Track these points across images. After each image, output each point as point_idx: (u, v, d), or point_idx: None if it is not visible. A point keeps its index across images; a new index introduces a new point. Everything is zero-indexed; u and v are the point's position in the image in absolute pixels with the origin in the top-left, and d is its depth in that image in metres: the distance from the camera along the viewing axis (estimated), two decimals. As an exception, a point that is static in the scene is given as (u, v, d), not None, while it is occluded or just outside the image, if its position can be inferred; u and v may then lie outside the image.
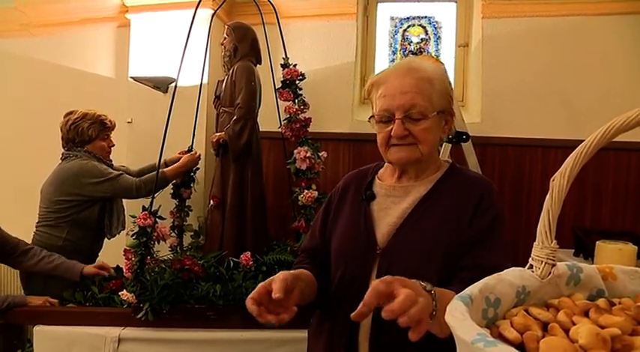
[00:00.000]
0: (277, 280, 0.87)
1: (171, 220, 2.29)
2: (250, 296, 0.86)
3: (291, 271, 0.98)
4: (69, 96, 2.79)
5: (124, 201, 2.35)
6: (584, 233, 2.14)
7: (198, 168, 2.39)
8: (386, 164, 1.15)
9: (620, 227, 2.44)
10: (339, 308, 1.03)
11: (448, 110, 1.07)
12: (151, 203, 1.82)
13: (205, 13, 2.35)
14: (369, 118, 1.09)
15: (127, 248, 1.80)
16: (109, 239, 2.23)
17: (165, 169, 2.17)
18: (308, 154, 2.02)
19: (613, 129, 0.52)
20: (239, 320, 1.76)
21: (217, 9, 2.33)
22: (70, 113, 2.18)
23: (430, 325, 0.75)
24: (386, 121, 1.03)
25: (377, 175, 1.16)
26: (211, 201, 2.09)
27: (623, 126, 0.51)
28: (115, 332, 1.74)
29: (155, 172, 2.14)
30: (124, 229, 2.24)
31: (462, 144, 2.06)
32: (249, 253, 1.92)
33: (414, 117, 1.01)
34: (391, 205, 1.07)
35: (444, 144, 2.04)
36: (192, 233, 2.34)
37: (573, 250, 2.17)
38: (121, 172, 2.18)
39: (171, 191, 2.33)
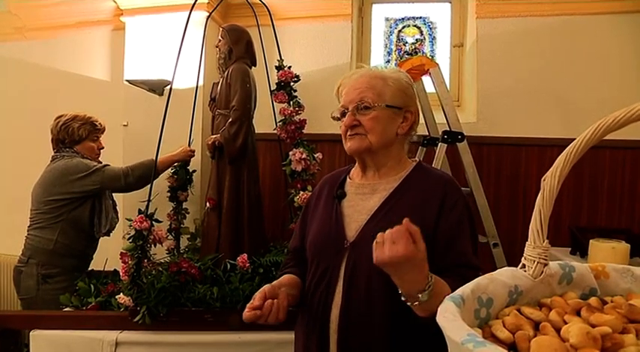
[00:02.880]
0: (256, 297, 1.00)
1: (168, 223, 2.29)
2: (244, 316, 0.99)
3: (272, 283, 1.09)
4: (64, 99, 2.78)
5: (120, 202, 2.35)
6: (580, 231, 2.14)
7: (194, 170, 2.39)
8: (356, 163, 1.23)
9: (617, 225, 2.45)
10: (312, 300, 1.12)
11: (406, 108, 1.14)
12: (147, 206, 1.81)
13: (200, 16, 2.34)
14: (332, 118, 1.19)
15: (124, 251, 1.80)
16: (97, 238, 2.22)
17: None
18: (303, 156, 2.02)
19: (602, 129, 0.52)
20: (236, 322, 1.76)
21: (212, 11, 2.33)
22: (61, 116, 2.20)
23: (416, 307, 0.89)
24: (343, 116, 1.15)
25: (348, 175, 1.23)
26: (207, 204, 2.09)
27: (611, 125, 0.51)
28: (112, 335, 1.73)
29: (143, 160, 2.15)
30: (113, 229, 2.23)
31: (458, 143, 2.07)
32: (246, 255, 1.91)
33: (363, 109, 1.11)
34: (360, 202, 1.14)
35: (440, 144, 2.05)
36: (188, 235, 2.34)
37: (570, 248, 2.18)
38: (107, 163, 2.19)
39: (168, 194, 2.33)
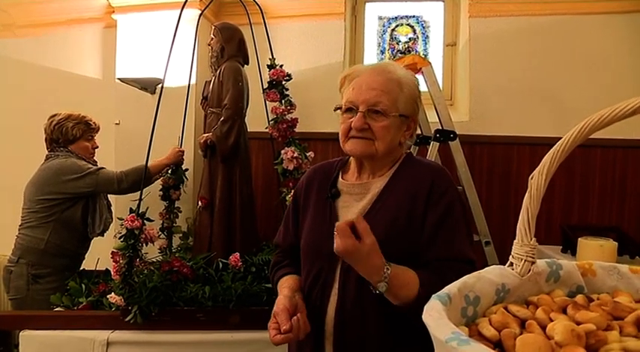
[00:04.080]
0: (282, 318, 0.98)
1: (161, 222, 2.28)
2: (274, 340, 0.98)
3: (285, 293, 1.07)
4: (55, 98, 2.76)
5: (112, 202, 2.34)
6: (571, 229, 2.16)
7: (187, 169, 2.38)
8: (350, 160, 1.19)
9: (607, 223, 2.47)
10: (307, 302, 1.09)
11: (412, 117, 1.11)
12: (139, 205, 1.81)
13: (193, 14, 2.33)
14: (335, 109, 1.13)
15: (115, 250, 1.79)
16: (90, 238, 2.21)
17: (149, 164, 2.15)
18: (295, 154, 2.02)
19: (587, 128, 0.52)
20: (236, 322, 1.75)
21: (204, 9, 2.31)
22: (55, 115, 2.18)
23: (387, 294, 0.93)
24: (350, 112, 1.07)
25: (342, 172, 1.18)
26: (200, 203, 2.08)
27: (597, 124, 0.52)
28: (103, 335, 1.72)
29: (138, 165, 2.13)
30: (107, 229, 2.22)
31: (450, 142, 2.07)
32: (238, 254, 1.91)
33: (375, 113, 1.04)
34: (353, 203, 1.11)
35: (432, 143, 2.06)
36: (181, 234, 2.33)
37: (561, 247, 2.19)
38: (102, 166, 2.18)
39: (160, 192, 2.32)
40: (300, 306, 1.04)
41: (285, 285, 1.12)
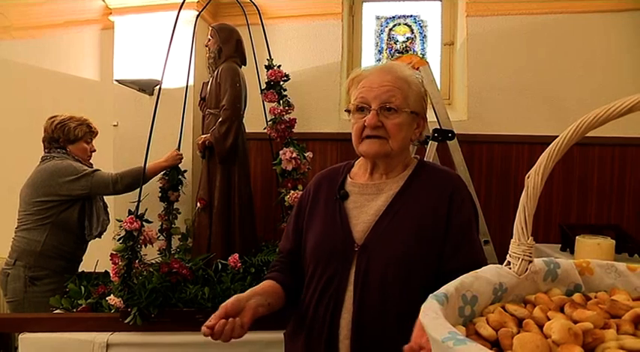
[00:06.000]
0: (215, 314, 0.95)
1: (159, 223, 2.28)
2: (201, 331, 0.94)
3: (242, 294, 1.02)
4: (53, 100, 2.76)
5: (110, 203, 2.34)
6: (570, 228, 2.16)
7: (185, 171, 2.38)
8: (357, 162, 1.19)
9: (606, 221, 2.47)
10: (317, 306, 1.06)
11: (422, 115, 1.13)
12: (137, 206, 1.80)
13: (190, 15, 2.33)
14: (346, 110, 1.14)
15: (114, 252, 1.78)
16: (87, 240, 2.20)
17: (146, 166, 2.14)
18: (293, 155, 2.02)
19: (583, 127, 0.52)
20: (228, 322, 1.75)
21: (202, 10, 2.31)
22: (56, 116, 2.19)
23: None
24: (362, 111, 1.07)
25: (349, 174, 1.18)
26: (198, 204, 2.08)
27: (592, 122, 0.52)
28: (102, 337, 1.72)
29: (133, 167, 2.13)
30: (104, 231, 2.22)
31: (448, 142, 2.07)
32: (238, 255, 1.91)
33: (388, 111, 1.05)
34: (365, 203, 1.10)
35: (430, 142, 2.06)
36: (180, 236, 2.32)
37: (560, 245, 2.20)
38: (97, 168, 2.18)
39: (159, 194, 2.32)
40: (246, 312, 0.97)
41: (255, 287, 1.09)
